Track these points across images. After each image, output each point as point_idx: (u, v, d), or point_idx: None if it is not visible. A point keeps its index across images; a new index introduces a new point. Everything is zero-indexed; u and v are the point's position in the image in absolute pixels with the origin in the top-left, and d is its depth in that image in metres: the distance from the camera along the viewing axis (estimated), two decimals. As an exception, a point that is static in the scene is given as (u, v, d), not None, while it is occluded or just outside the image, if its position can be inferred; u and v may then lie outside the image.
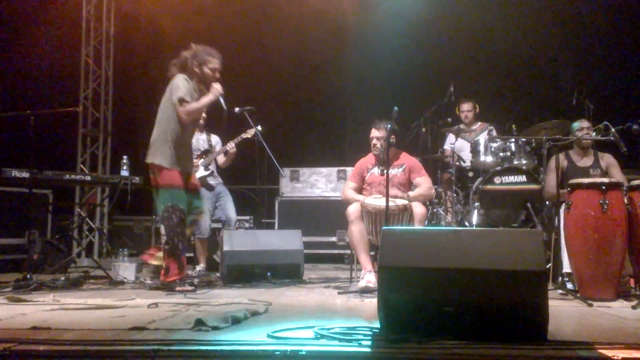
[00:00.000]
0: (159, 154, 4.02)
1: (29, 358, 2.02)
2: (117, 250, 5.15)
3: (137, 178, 5.21)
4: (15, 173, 5.10)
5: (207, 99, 4.06)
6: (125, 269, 4.61)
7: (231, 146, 5.36)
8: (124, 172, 5.15)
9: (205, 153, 5.48)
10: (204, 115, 5.39)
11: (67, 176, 5.69)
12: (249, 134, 5.30)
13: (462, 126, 5.87)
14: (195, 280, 4.55)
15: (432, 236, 2.50)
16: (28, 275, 4.12)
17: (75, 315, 2.87)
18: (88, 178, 5.94)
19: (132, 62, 7.96)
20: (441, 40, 7.54)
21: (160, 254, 4.14)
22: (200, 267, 5.34)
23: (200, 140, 5.53)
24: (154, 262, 4.10)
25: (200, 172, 5.38)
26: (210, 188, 5.42)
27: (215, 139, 5.60)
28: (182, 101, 3.97)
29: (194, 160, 5.43)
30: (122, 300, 3.34)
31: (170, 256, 3.97)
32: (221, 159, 5.51)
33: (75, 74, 7.66)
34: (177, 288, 3.88)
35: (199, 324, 2.43)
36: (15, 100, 6.31)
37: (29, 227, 5.35)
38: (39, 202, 5.95)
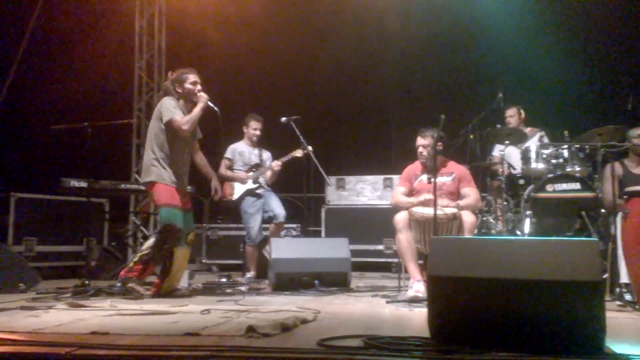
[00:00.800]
0: (153, 173, 4.16)
1: (89, 361, 2.10)
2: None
3: (189, 188, 5.34)
4: (74, 183, 5.34)
5: (198, 108, 4.20)
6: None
7: (276, 164, 5.50)
8: (177, 183, 5.29)
9: (256, 167, 5.60)
10: (257, 132, 5.61)
11: (122, 185, 5.93)
12: (299, 153, 5.39)
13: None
14: (245, 287, 4.64)
15: (483, 245, 2.46)
16: (86, 282, 4.29)
17: (131, 320, 2.96)
18: (142, 187, 6.13)
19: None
20: (489, 45, 7.42)
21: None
22: (250, 274, 5.42)
23: (252, 155, 5.68)
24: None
25: (249, 185, 5.52)
26: (259, 197, 5.54)
27: (266, 155, 5.74)
28: (172, 118, 4.11)
29: (244, 173, 5.56)
30: (176, 307, 3.42)
31: (142, 263, 4.10)
32: (268, 173, 5.62)
33: (128, 86, 7.93)
34: (131, 284, 3.99)
35: (250, 330, 2.47)
36: (73, 113, 6.60)
37: (87, 235, 5.59)
38: (96, 210, 6.19)
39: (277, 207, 5.53)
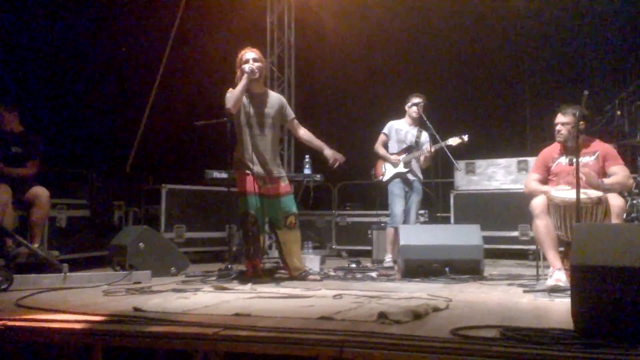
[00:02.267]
0: (234, 163, 4.31)
1: (233, 342, 2.24)
2: (302, 244, 5.46)
3: (318, 175, 5.48)
4: (216, 174, 5.72)
5: (240, 83, 4.16)
6: (311, 261, 4.87)
7: (427, 149, 5.37)
8: (307, 170, 5.45)
9: (409, 149, 5.54)
10: (415, 109, 5.46)
11: (259, 175, 6.21)
12: (454, 142, 5.25)
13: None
14: (374, 273, 4.68)
15: (633, 232, 2.26)
16: (229, 266, 4.60)
17: (270, 303, 3.13)
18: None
19: (311, 68, 8.40)
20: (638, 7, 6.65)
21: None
22: (389, 257, 5.38)
23: (408, 133, 5.59)
24: None
25: (400, 168, 5.48)
26: (407, 182, 5.49)
27: (424, 137, 5.53)
28: (224, 103, 4.20)
29: (395, 155, 5.51)
30: (310, 290, 3.57)
31: (248, 259, 4.25)
32: (421, 158, 5.50)
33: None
34: (250, 284, 4.01)
35: (382, 317, 2.50)
36: (213, 108, 7.07)
37: (229, 222, 5.99)
38: (236, 199, 6.60)
39: (411, 220, 5.43)
